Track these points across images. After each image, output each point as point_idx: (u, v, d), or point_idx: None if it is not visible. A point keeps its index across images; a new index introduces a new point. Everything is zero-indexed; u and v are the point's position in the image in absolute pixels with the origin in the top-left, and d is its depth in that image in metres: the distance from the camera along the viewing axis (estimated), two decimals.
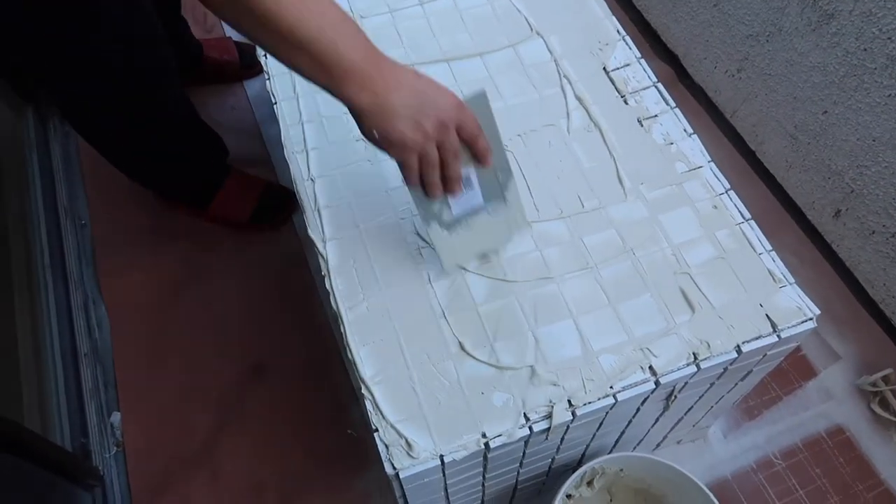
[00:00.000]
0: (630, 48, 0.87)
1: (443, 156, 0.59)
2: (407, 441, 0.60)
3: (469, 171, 0.63)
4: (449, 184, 0.61)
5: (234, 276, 1.17)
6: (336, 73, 0.55)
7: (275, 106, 0.82)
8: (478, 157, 0.62)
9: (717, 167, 0.77)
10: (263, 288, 1.16)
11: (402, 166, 0.60)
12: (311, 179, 0.76)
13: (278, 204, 1.21)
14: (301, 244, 1.21)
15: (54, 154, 1.24)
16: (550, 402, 0.62)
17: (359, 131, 0.59)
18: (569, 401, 0.62)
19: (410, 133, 0.56)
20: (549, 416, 0.61)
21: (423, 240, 0.71)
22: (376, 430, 0.61)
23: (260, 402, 1.06)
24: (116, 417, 1.01)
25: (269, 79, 0.85)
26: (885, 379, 1.03)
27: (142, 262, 1.18)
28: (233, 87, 1.41)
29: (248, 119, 1.37)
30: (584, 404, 0.62)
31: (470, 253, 0.69)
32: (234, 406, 1.05)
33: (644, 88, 0.83)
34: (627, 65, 0.86)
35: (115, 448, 0.99)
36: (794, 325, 0.66)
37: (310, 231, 0.72)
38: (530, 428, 0.61)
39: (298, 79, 0.84)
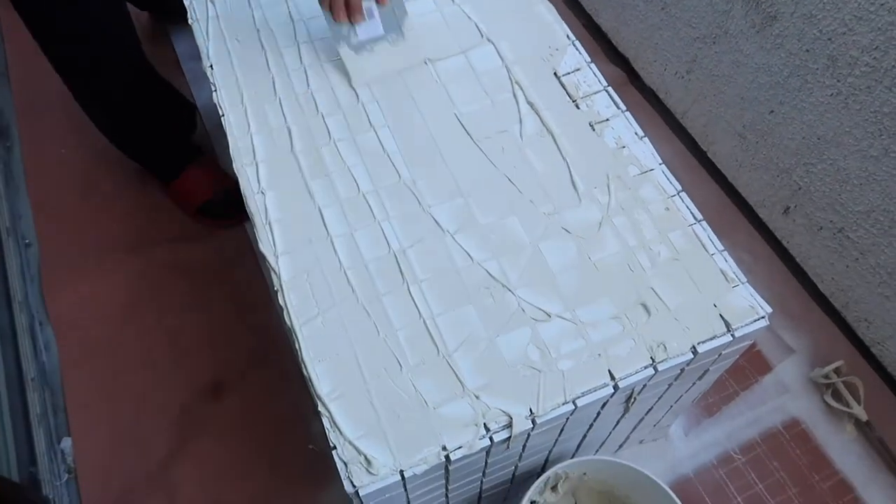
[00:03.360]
0: (580, 53, 0.87)
1: None
2: (366, 458, 0.59)
3: (371, 4, 0.80)
4: (352, 11, 0.78)
5: (187, 290, 1.14)
6: None
7: (222, 118, 0.81)
8: None
9: (669, 168, 0.77)
10: (218, 301, 1.13)
11: None
12: (262, 192, 0.75)
13: (231, 203, 1.19)
14: (257, 258, 1.18)
15: None
16: (510, 410, 0.61)
17: None
18: (529, 409, 0.62)
19: None
20: (509, 426, 0.61)
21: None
22: (334, 447, 0.59)
23: (219, 420, 1.03)
24: (67, 443, 0.98)
25: (215, 90, 0.83)
26: (837, 371, 1.06)
27: (91, 281, 1.14)
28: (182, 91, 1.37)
29: (200, 132, 1.34)
30: (544, 412, 0.62)
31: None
32: (191, 426, 1.02)
33: (595, 93, 0.84)
34: (578, 69, 0.86)
35: (66, 475, 0.95)
36: (747, 324, 0.67)
37: (261, 245, 0.71)
38: (491, 438, 0.61)
39: (246, 89, 0.82)
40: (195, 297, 1.13)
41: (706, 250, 0.72)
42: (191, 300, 1.13)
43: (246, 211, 1.18)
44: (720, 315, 0.67)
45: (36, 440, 0.92)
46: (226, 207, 1.20)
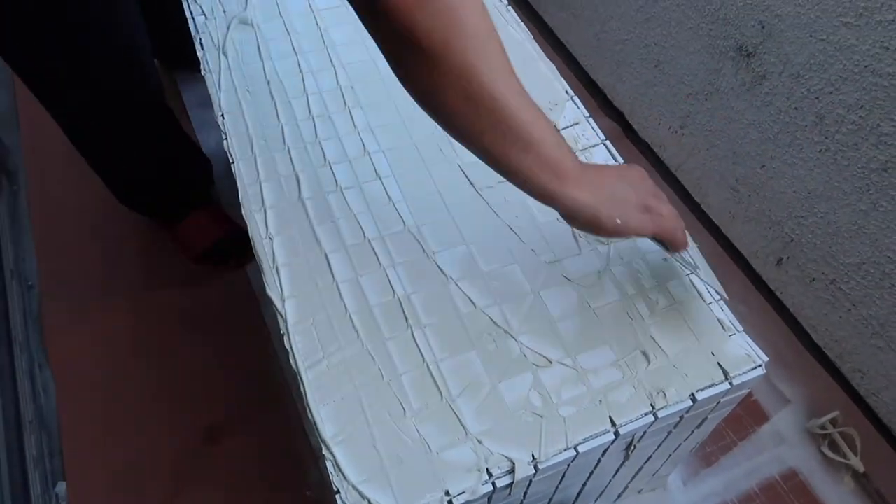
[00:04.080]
0: (578, 107, 0.91)
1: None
2: (370, 502, 0.59)
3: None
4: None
5: (186, 335, 1.15)
6: (561, 171, 0.59)
7: (232, 165, 0.83)
8: None
9: None
10: (217, 347, 1.14)
11: (664, 238, 0.66)
12: (270, 238, 0.76)
13: (234, 248, 1.21)
14: (258, 302, 1.19)
15: (1, 214, 1.21)
16: (512, 456, 0.62)
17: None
18: (532, 454, 0.62)
19: (641, 214, 0.63)
20: (511, 472, 0.61)
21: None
22: (338, 491, 0.60)
23: (215, 466, 1.02)
24: (62, 487, 0.97)
25: (226, 139, 0.85)
26: (833, 422, 1.06)
27: (91, 325, 1.15)
28: None
29: None
30: (546, 458, 0.62)
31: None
32: (187, 472, 1.01)
33: (593, 146, 0.87)
34: (577, 123, 0.89)
35: None
36: (744, 373, 0.68)
37: (268, 290, 0.72)
38: (493, 484, 0.61)
39: (256, 138, 0.85)
40: (194, 342, 1.14)
41: (703, 299, 0.73)
42: (190, 345, 1.13)
43: (246, 256, 1.21)
44: (718, 363, 0.69)
45: (31, 483, 0.91)
46: (228, 253, 1.22)
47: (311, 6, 1.01)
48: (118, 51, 0.95)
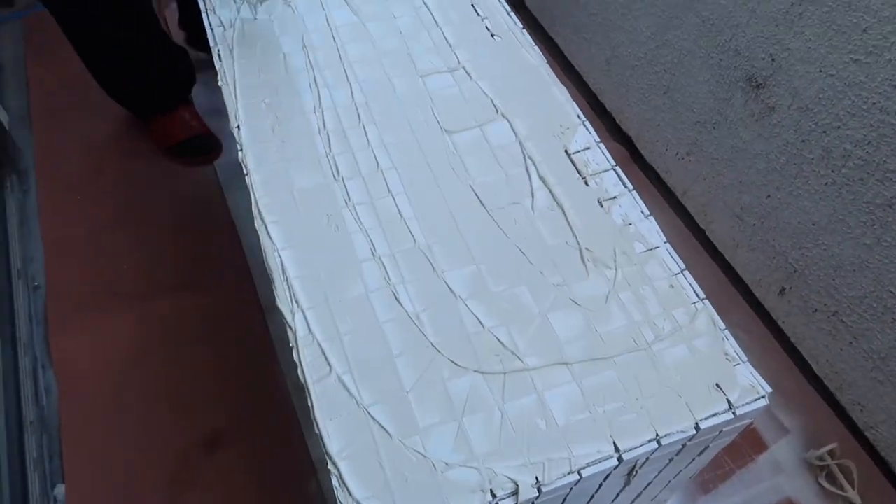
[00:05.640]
0: (590, 132, 0.92)
1: None
2: None
3: None
4: None
5: (189, 341, 1.15)
6: None
7: (246, 176, 0.84)
8: None
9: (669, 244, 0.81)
10: (220, 355, 1.14)
11: None
12: (281, 250, 0.77)
13: (203, 147, 1.41)
14: (263, 312, 1.20)
15: (10, 214, 1.22)
16: (516, 478, 0.62)
17: None
18: (535, 477, 0.63)
19: None
20: (515, 493, 0.62)
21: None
22: None
23: (215, 474, 1.02)
24: (61, 490, 0.97)
25: (240, 150, 0.86)
26: (831, 453, 1.07)
27: (96, 327, 1.15)
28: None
29: (211, 183, 1.37)
30: (550, 481, 0.63)
31: None
32: (186, 479, 1.02)
33: (603, 171, 0.88)
34: (587, 148, 0.90)
35: None
36: (748, 403, 0.69)
37: (278, 302, 0.73)
38: None
39: (269, 153, 0.86)
40: (198, 348, 1.14)
41: (708, 328, 0.74)
42: (193, 351, 1.14)
43: (210, 156, 1.40)
44: (722, 393, 0.69)
45: (31, 484, 0.91)
46: (198, 150, 1.40)
47: (328, 22, 1.02)
48: None
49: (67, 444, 1.03)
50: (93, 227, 1.28)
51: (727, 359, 0.72)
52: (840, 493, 1.03)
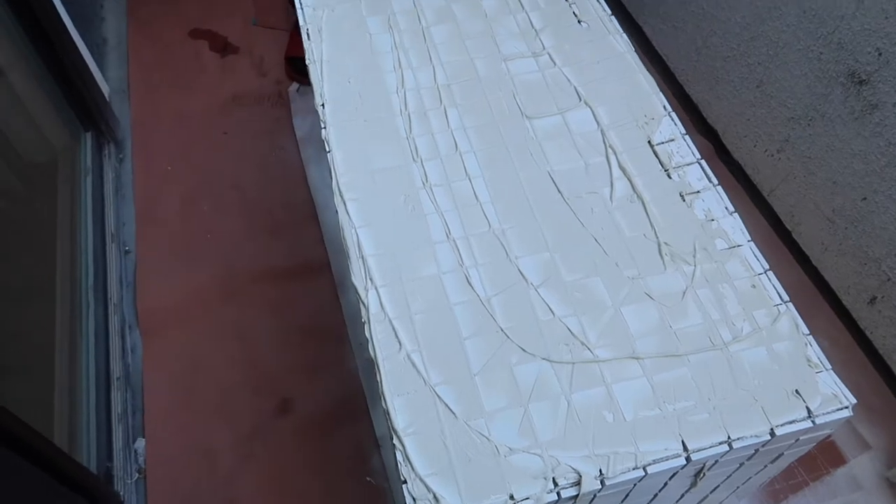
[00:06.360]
0: (675, 124, 0.89)
1: None
2: (435, 496, 0.60)
3: None
4: None
5: (269, 312, 1.19)
6: None
7: (328, 153, 0.86)
8: None
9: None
10: (296, 326, 1.18)
11: None
12: (359, 228, 0.78)
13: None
14: (336, 288, 1.23)
15: (107, 180, 1.29)
16: (580, 468, 0.62)
17: None
18: (599, 469, 0.62)
19: None
20: (577, 483, 0.61)
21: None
22: (405, 481, 0.61)
23: (283, 438, 1.06)
24: (141, 444, 1.03)
25: (324, 128, 0.88)
26: None
27: (181, 292, 1.21)
28: (281, 125, 1.46)
29: (293, 160, 1.41)
30: (614, 474, 0.62)
31: None
32: (257, 440, 1.06)
33: (688, 164, 0.85)
34: (672, 140, 0.87)
35: (136, 475, 1.00)
36: (829, 413, 0.66)
37: (353, 278, 0.74)
38: (558, 493, 0.61)
39: (353, 129, 0.87)
40: (275, 318, 1.18)
41: (791, 333, 0.71)
42: (271, 321, 1.18)
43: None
44: (802, 400, 0.66)
45: (114, 437, 0.97)
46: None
47: (414, 4, 1.03)
48: None
49: (149, 401, 1.08)
50: (182, 197, 1.34)
51: (809, 365, 0.69)
52: None
